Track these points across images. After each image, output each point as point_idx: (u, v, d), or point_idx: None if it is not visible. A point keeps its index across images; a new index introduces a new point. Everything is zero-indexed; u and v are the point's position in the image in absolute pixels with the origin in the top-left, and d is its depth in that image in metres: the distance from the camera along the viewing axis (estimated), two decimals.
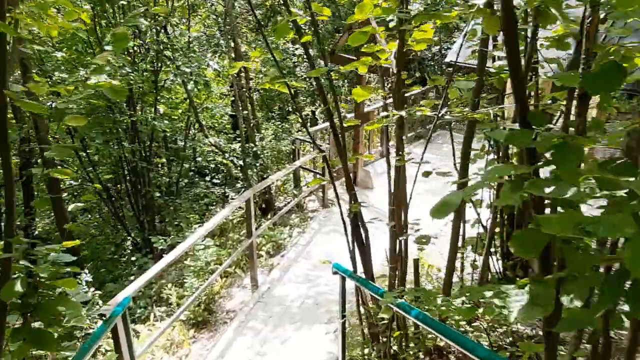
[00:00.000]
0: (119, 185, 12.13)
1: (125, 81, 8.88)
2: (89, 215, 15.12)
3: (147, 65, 9.39)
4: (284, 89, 4.11)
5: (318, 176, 10.92)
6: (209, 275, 7.60)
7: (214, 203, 13.02)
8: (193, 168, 17.16)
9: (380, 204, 10.22)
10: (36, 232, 12.32)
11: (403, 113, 4.21)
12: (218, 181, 15.75)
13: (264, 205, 10.32)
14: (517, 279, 5.84)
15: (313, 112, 12.63)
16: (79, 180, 11.71)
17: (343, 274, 4.83)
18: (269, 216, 9.97)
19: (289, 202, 10.40)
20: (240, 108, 9.55)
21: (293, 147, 10.05)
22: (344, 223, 4.72)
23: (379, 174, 11.25)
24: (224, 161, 10.21)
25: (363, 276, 4.79)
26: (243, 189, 11.16)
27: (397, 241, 4.77)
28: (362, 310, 5.03)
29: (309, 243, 8.68)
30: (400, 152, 4.58)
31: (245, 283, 7.81)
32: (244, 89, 9.59)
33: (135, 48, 9.52)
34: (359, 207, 4.55)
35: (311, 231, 9.07)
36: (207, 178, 16.01)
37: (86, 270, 7.36)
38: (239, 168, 10.18)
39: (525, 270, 5.82)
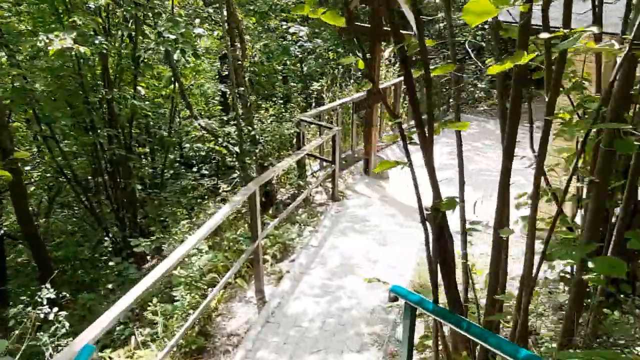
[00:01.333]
0: (97, 178, 10.43)
1: (97, 50, 7.21)
2: (66, 211, 13.39)
3: (123, 32, 7.71)
4: (332, 20, 2.54)
5: (325, 163, 9.34)
6: (204, 290, 6.00)
7: (204, 196, 11.38)
8: (179, 158, 15.49)
9: (400, 196, 8.73)
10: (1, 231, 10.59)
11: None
12: (207, 172, 14.09)
13: (263, 199, 8.70)
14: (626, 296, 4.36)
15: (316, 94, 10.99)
16: (47, 171, 9.97)
17: (412, 302, 3.26)
18: (270, 211, 8.38)
19: (293, 195, 8.81)
20: (235, 84, 7.91)
21: (297, 130, 8.44)
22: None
23: None
24: (217, 148, 8.56)
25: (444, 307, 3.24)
26: (238, 180, 9.53)
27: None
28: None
29: (322, 244, 7.12)
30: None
31: (249, 296, 6.23)
32: (240, 61, 7.93)
33: (109, 11, 7.82)
34: (445, 209, 2.99)
35: (323, 229, 7.50)
36: (195, 169, 14.38)
37: (48, 285, 5.71)
38: (234, 156, 8.54)
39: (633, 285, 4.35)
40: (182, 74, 11.45)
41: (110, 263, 7.90)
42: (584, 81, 3.99)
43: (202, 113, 16.35)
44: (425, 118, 2.95)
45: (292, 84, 16.92)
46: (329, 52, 14.74)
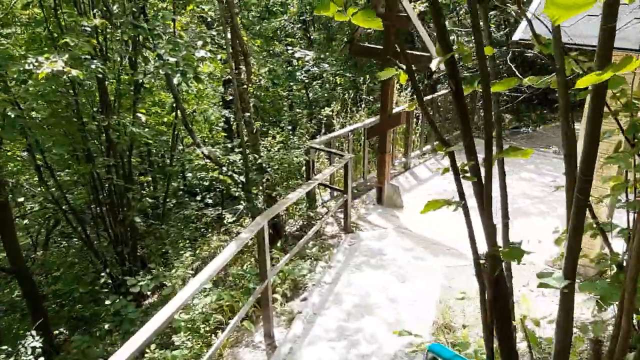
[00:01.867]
0: (95, 210, 9.86)
1: (93, 74, 6.72)
2: (65, 242, 12.79)
3: (121, 56, 7.23)
4: (373, 25, 1.99)
5: (336, 193, 8.76)
6: (207, 336, 5.38)
7: (208, 228, 10.79)
8: (182, 187, 14.93)
9: (416, 227, 8.13)
10: None
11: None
12: (211, 201, 13.52)
13: (271, 231, 8.11)
14: None
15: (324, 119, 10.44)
16: (42, 202, 9.41)
17: None
18: (278, 244, 7.78)
19: (302, 226, 8.22)
20: (241, 109, 7.39)
21: (307, 157, 7.89)
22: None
23: (406, 190, 9.12)
24: (221, 177, 8.00)
25: None
26: (244, 211, 8.96)
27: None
28: None
29: (335, 281, 6.50)
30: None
31: (257, 341, 5.60)
32: (245, 85, 7.42)
33: (106, 34, 7.35)
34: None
35: (336, 264, 6.88)
36: (199, 198, 13.82)
37: (33, 332, 5.09)
38: (239, 186, 7.97)
39: None
40: (185, 99, 11.00)
41: (107, 302, 7.25)
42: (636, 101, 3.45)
43: (206, 140, 15.87)
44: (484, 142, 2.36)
45: (297, 110, 16.50)
46: (336, 77, 14.31)
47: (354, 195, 8.64)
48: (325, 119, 9.47)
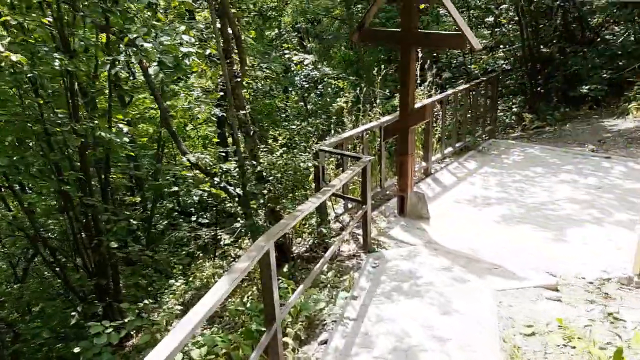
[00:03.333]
0: (70, 235, 8.29)
1: (48, 66, 5.25)
2: (47, 273, 11.19)
3: (84, 43, 5.76)
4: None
5: (351, 204, 7.25)
6: None
7: (203, 251, 9.23)
8: (176, 206, 13.39)
9: (449, 241, 6.61)
10: None
11: None
12: (207, 220, 11.98)
13: (276, 253, 6.57)
14: None
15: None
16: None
17: None
18: (284, 269, 6.25)
19: (311, 246, 6.68)
20: (234, 107, 5.90)
21: (316, 162, 6.38)
22: None
23: (430, 199, 7.62)
24: (213, 191, 6.49)
25: None
26: (243, 231, 7.44)
27: None
28: None
29: (361, 316, 4.95)
30: None
31: None
32: (238, 77, 5.94)
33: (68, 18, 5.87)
34: None
35: (360, 293, 5.34)
36: (194, 218, 12.29)
37: None
38: (235, 199, 6.46)
39: None
40: (165, 88, 9.42)
41: (76, 349, 5.67)
42: None
43: (197, 138, 14.33)
44: None
45: (296, 123, 15.02)
46: (338, 81, 12.88)
47: (372, 206, 7.13)
48: (334, 117, 7.97)
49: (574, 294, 5.19)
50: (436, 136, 8.95)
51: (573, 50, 12.56)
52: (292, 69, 13.26)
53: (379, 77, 8.20)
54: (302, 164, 6.21)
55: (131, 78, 6.81)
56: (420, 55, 8.33)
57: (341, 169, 7.13)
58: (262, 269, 3.66)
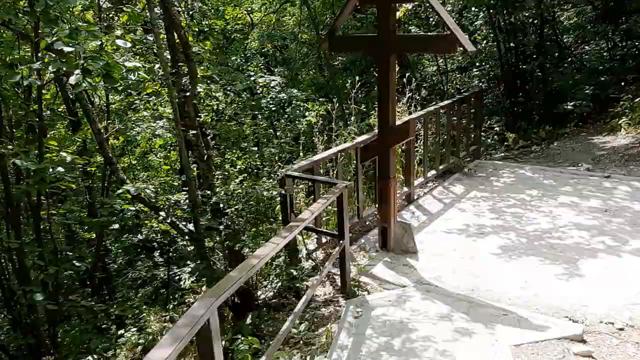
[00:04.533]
0: None
1: None
2: None
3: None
4: None
5: (326, 238, 6.10)
6: None
7: (159, 294, 7.92)
8: (136, 241, 12.00)
9: (443, 279, 5.51)
10: None
11: None
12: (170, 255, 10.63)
13: (237, 300, 5.36)
14: None
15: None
16: None
17: None
18: (248, 319, 5.03)
19: (279, 291, 5.48)
20: (182, 125, 4.74)
21: (283, 190, 5.22)
22: None
23: (416, 229, 6.51)
24: (161, 227, 5.27)
25: None
26: (199, 269, 6.19)
27: None
28: None
29: None
30: None
31: None
32: (188, 90, 4.79)
33: None
34: None
35: (341, 355, 4.14)
36: (157, 253, 10.93)
37: None
38: (187, 237, 5.24)
39: None
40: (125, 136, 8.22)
41: None
42: None
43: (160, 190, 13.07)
44: None
45: (265, 149, 13.95)
46: (308, 103, 11.83)
47: (349, 240, 5.99)
48: (303, 137, 6.85)
49: (604, 346, 4.10)
50: (417, 158, 7.92)
51: (552, 67, 11.84)
52: (259, 91, 12.20)
53: (353, 93, 7.14)
54: (266, 193, 5.06)
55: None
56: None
57: (313, 196, 6.00)
58: (199, 346, 2.46)
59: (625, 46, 13.52)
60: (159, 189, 5.48)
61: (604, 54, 13.26)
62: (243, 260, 3.72)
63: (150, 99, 6.56)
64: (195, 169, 5.60)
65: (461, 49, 4.94)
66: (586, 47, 14.45)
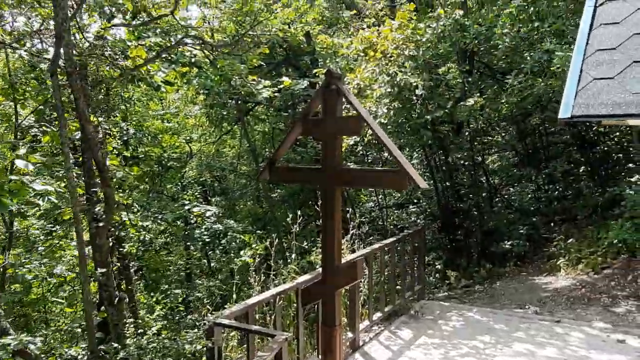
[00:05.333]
0: None
1: None
2: None
3: None
4: None
5: None
6: None
7: None
8: None
9: None
10: None
11: None
12: None
13: None
14: None
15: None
16: None
17: None
18: None
19: None
20: (96, 263, 3.85)
21: (210, 342, 4.26)
22: None
23: None
24: None
25: None
26: None
27: None
28: None
29: None
30: None
31: None
32: (101, 219, 3.98)
33: None
34: None
35: None
36: None
37: None
38: None
39: None
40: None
41: None
42: None
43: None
44: None
45: (198, 281, 12.91)
46: (244, 235, 11.09)
47: None
48: (237, 277, 6.00)
49: None
50: (362, 298, 7.18)
51: (487, 206, 11.93)
52: (193, 221, 11.40)
53: (294, 227, 6.51)
54: (188, 347, 4.08)
55: None
56: None
57: (245, 346, 5.02)
58: None
59: (549, 189, 14.11)
60: (52, 340, 4.35)
61: (529, 195, 13.73)
62: None
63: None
64: (103, 312, 4.57)
65: (412, 185, 4.52)
66: (511, 189, 15.00)
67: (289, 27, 8.19)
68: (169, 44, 5.70)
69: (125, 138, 11.02)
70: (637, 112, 3.16)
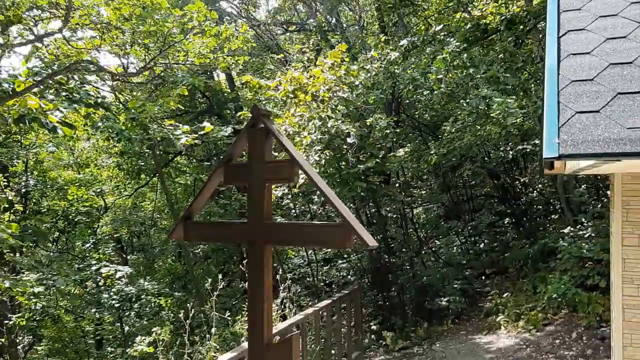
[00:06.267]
0: None
1: None
2: None
3: None
4: None
5: None
6: None
7: None
8: None
9: None
10: None
11: None
12: None
13: None
14: None
15: None
16: None
17: None
18: None
19: None
20: None
21: None
22: None
23: None
24: None
25: None
26: None
27: None
28: None
29: None
30: None
31: None
32: None
33: None
34: None
35: None
36: None
37: None
38: None
39: None
40: None
41: None
42: None
43: None
44: None
45: (110, 349, 11.21)
46: (160, 298, 9.66)
47: None
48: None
49: None
50: None
51: (419, 260, 11.33)
52: (100, 284, 9.86)
53: (215, 292, 5.38)
54: None
55: None
56: None
57: None
58: None
59: (476, 241, 13.85)
60: None
61: (456, 249, 13.39)
62: None
63: None
64: None
65: (358, 242, 3.66)
66: (437, 241, 14.64)
67: (209, 55, 7.34)
68: (57, 70, 4.65)
69: (24, 190, 9.53)
70: (637, 150, 2.55)
